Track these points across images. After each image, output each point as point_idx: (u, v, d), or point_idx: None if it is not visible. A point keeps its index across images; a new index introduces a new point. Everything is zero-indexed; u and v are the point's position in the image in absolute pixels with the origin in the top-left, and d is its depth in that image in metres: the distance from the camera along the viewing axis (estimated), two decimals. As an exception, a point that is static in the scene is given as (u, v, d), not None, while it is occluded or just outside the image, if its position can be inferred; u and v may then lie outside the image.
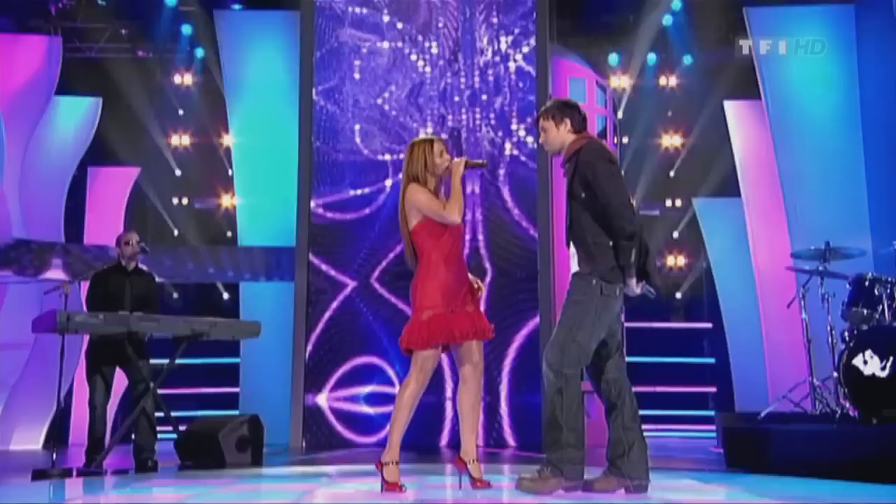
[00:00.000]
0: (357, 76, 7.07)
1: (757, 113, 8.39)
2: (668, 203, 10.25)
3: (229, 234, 9.56)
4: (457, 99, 6.94)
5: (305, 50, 7.12)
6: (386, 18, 7.11)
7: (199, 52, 9.28)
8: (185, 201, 9.85)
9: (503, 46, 6.94)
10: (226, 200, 9.74)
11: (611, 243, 3.25)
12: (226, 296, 9.58)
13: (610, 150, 3.40)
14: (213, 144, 9.68)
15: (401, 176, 3.58)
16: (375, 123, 7.04)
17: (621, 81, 9.50)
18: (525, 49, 7.19)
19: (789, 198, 7.76)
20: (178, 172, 9.89)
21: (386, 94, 7.06)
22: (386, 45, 7.09)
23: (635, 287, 3.25)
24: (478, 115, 7.18)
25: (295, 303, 7.07)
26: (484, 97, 6.85)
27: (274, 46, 8.21)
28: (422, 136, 3.76)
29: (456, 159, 3.56)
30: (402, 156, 6.61)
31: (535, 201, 6.77)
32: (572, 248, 3.41)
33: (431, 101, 6.99)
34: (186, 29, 9.14)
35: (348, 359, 6.83)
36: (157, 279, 5.35)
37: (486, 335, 3.48)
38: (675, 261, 10.36)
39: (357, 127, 7.05)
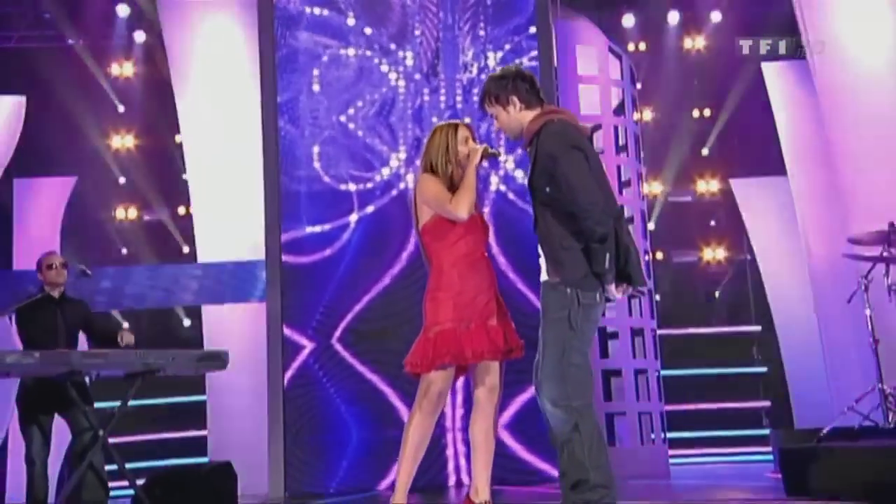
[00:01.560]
0: (316, 88, 6.93)
1: (802, 75, 8.29)
2: (702, 186, 10.29)
3: (186, 249, 9.58)
4: (435, 119, 6.77)
5: (265, 54, 6.97)
6: (351, 22, 6.99)
7: (140, 37, 9.28)
8: (132, 213, 9.84)
9: (491, 62, 6.82)
10: (180, 210, 9.72)
11: (581, 246, 3.26)
12: (186, 322, 9.57)
13: (576, 131, 3.38)
14: (162, 145, 9.67)
15: (418, 163, 3.63)
16: (338, 145, 6.84)
17: (639, 46, 9.51)
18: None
19: (844, 173, 7.62)
20: (121, 180, 9.88)
21: (351, 111, 6.91)
22: (351, 52, 6.97)
23: (616, 293, 3.29)
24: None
25: (268, 326, 7.01)
26: (467, 120, 6.68)
27: (228, 26, 8.23)
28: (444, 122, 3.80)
29: (474, 145, 3.60)
30: (369, 185, 6.72)
31: (526, 248, 6.30)
32: (541, 251, 3.42)
33: (405, 120, 6.84)
34: (123, 9, 9.13)
35: (304, 443, 6.49)
36: (110, 308, 5.30)
37: (506, 354, 3.49)
38: (713, 254, 10.38)
39: (315, 149, 6.86)
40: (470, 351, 3.40)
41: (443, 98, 6.92)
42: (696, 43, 9.89)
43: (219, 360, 5.36)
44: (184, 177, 8.95)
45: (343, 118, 6.92)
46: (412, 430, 3.40)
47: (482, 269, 3.53)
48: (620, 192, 7.06)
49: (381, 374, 6.39)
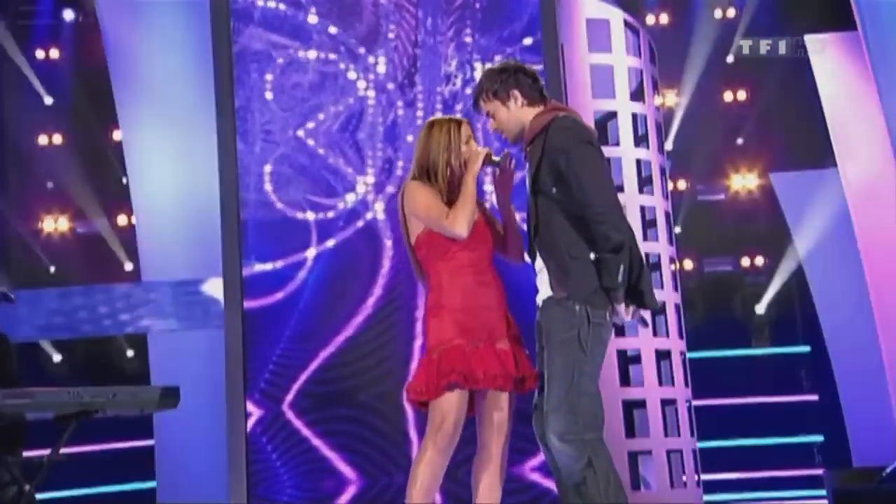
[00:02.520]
0: (269, 96, 6.85)
1: (852, 48, 8.35)
2: (737, 182, 10.34)
3: (129, 266, 9.58)
4: (410, 139, 6.76)
5: (220, 49, 6.92)
6: (313, 20, 6.92)
7: (69, 16, 9.30)
8: (62, 224, 9.83)
9: (478, 75, 6.82)
10: (121, 220, 9.72)
11: (593, 256, 3.34)
12: (130, 353, 9.56)
13: (588, 127, 3.50)
14: (97, 144, 9.67)
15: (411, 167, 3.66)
16: (294, 165, 6.74)
17: (660, 19, 9.56)
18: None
19: (906, 163, 7.70)
20: (49, 185, 9.87)
21: (310, 125, 6.81)
22: (312, 55, 6.90)
23: (625, 314, 3.36)
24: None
25: (227, 355, 6.99)
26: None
27: (174, 3, 8.30)
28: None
29: (476, 148, 3.66)
30: (331, 214, 6.60)
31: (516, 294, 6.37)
32: (538, 263, 3.49)
33: (374, 138, 6.76)
34: (49, -16, 9.16)
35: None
36: (38, 337, 5.31)
37: (519, 384, 3.53)
38: (752, 262, 10.43)
39: (267, 169, 6.75)
40: (482, 372, 3.43)
41: (420, 113, 6.85)
42: (727, 13, 9.92)
43: (169, 397, 5.35)
44: (124, 180, 8.95)
45: (301, 133, 6.83)
46: (422, 469, 3.42)
47: (489, 282, 3.58)
48: (641, 191, 7.05)
49: (343, 451, 6.24)
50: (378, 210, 6.60)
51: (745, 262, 10.41)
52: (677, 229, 9.19)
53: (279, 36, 6.90)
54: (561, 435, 3.29)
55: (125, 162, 8.53)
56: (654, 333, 6.95)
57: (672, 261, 7.15)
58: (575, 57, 7.25)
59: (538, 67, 6.61)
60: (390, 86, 6.87)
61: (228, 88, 6.79)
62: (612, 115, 7.24)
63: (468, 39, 6.95)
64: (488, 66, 3.85)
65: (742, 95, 10.30)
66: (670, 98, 9.84)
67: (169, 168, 8.24)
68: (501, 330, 3.52)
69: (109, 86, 8.47)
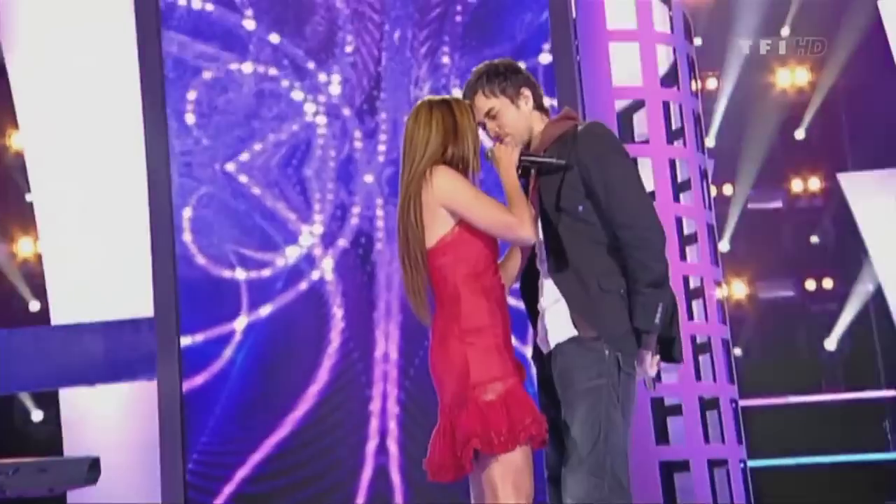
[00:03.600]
0: (190, 119, 6.84)
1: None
2: (797, 185, 10.36)
3: (35, 306, 9.57)
4: (369, 179, 6.80)
5: (148, 53, 6.87)
6: (250, 25, 6.85)
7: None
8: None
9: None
10: (24, 247, 9.67)
11: (624, 290, 3.42)
12: (37, 415, 9.50)
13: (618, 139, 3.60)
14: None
15: (403, 166, 3.68)
16: (221, 208, 6.70)
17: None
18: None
19: None
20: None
21: (243, 157, 6.76)
22: (248, 69, 6.88)
23: (650, 365, 3.44)
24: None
25: (159, 413, 6.96)
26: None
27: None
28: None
29: (503, 145, 3.72)
30: (267, 272, 6.60)
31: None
32: (549, 295, 3.54)
33: (324, 176, 6.75)
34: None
35: None
36: None
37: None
38: (818, 285, 10.42)
39: (186, 213, 6.68)
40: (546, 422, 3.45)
41: (382, 147, 6.85)
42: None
43: (86, 470, 5.31)
44: (28, 198, 9.04)
45: (231, 167, 6.81)
46: None
47: (506, 311, 3.62)
48: (676, 199, 7.04)
49: None
50: (326, 269, 6.56)
51: (810, 285, 10.43)
52: (723, 246, 9.17)
53: (205, 44, 6.88)
54: (580, 501, 3.33)
55: (28, 177, 8.59)
56: (698, 377, 6.92)
57: (717, 285, 7.12)
58: (591, 33, 7.24)
59: (545, 45, 6.77)
60: (346, 111, 6.85)
61: (158, 99, 6.76)
62: (638, 105, 7.23)
63: (445, 59, 6.95)
64: (486, 62, 3.81)
65: (802, 77, 10.28)
66: (711, 82, 9.83)
67: (83, 184, 8.19)
68: (524, 372, 3.57)
69: (7, 84, 8.56)
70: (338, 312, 6.39)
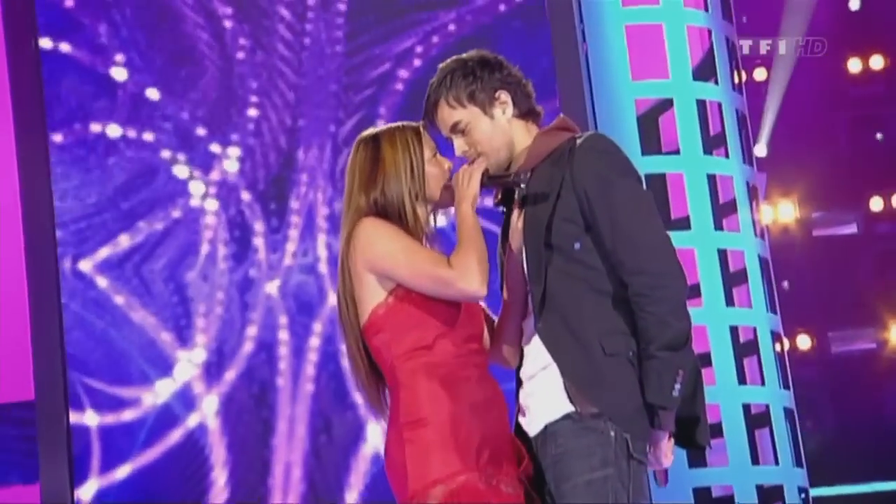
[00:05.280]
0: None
1: None
2: (876, 203, 10.11)
3: None
4: (271, 289, 6.77)
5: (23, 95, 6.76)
6: (120, 74, 6.80)
7: None
8: None
9: None
10: None
11: (634, 354, 3.36)
12: None
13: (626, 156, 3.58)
14: None
15: (343, 207, 3.67)
16: (70, 322, 6.71)
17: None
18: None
19: None
20: None
21: (103, 252, 6.79)
22: (115, 132, 6.88)
23: (664, 454, 3.38)
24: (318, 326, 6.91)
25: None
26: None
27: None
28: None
29: (467, 166, 3.63)
30: (129, 415, 6.53)
31: None
32: (537, 359, 3.47)
33: (213, 282, 6.75)
34: None
35: None
36: None
37: None
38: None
39: None
40: None
41: (291, 246, 6.80)
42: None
43: None
44: None
45: (85, 266, 6.75)
46: None
47: (489, 382, 3.57)
48: (717, 225, 6.97)
49: None
50: (208, 412, 6.52)
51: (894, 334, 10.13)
52: (783, 285, 8.94)
53: (57, 97, 6.79)
54: None
55: None
56: (755, 460, 6.82)
57: (776, 338, 7.06)
58: (600, 14, 7.13)
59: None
60: (245, 195, 6.86)
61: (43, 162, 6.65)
62: (665, 106, 7.20)
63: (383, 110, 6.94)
64: (454, 58, 3.72)
65: (877, 62, 10.09)
66: (759, 73, 9.59)
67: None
68: (513, 462, 3.52)
69: None
70: (220, 476, 6.37)
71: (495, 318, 3.74)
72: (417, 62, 6.81)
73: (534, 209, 3.50)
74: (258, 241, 6.66)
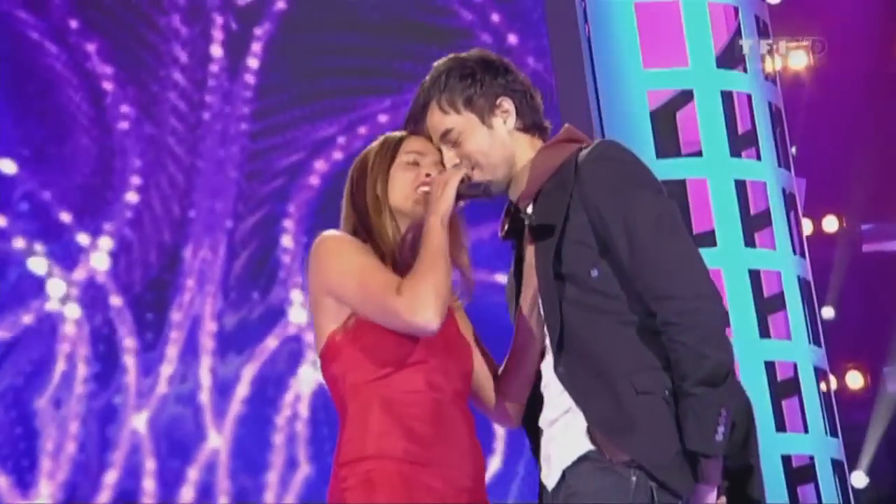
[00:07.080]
0: None
1: None
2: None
3: None
4: (139, 424, 6.77)
5: None
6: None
7: None
8: None
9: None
10: None
11: (669, 392, 3.30)
12: None
13: (646, 165, 3.53)
14: None
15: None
16: None
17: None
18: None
19: None
20: None
21: None
22: None
23: None
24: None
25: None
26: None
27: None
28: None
29: (439, 175, 3.58)
30: None
31: None
32: (556, 406, 3.43)
33: (67, 411, 6.73)
34: None
35: None
36: None
37: None
38: None
39: None
40: None
41: (168, 368, 6.83)
42: None
43: None
44: None
45: None
46: None
47: (455, 423, 3.52)
48: (748, 241, 7.03)
49: None
50: None
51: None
52: (827, 312, 8.93)
53: None
54: None
55: None
56: None
57: (821, 375, 7.09)
58: None
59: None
60: (116, 300, 6.83)
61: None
62: (685, 99, 7.24)
63: (286, 241, 7.03)
64: (451, 56, 3.66)
65: None
66: (797, 59, 9.53)
67: None
68: None
69: None
70: None
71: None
72: (338, 154, 6.87)
73: (542, 238, 3.46)
74: (127, 360, 6.65)
